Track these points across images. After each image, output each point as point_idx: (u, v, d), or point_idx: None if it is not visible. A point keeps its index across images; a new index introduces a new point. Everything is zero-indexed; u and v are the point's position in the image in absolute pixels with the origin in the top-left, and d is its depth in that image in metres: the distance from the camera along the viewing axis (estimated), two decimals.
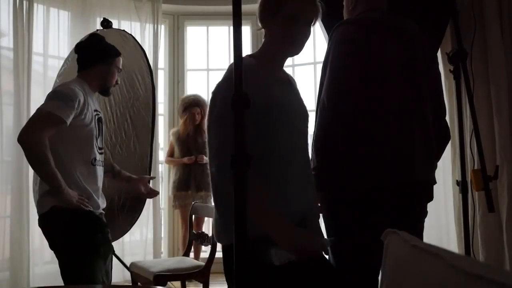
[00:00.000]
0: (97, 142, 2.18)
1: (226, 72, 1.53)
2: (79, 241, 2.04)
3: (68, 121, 2.01)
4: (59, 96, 2.04)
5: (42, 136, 1.94)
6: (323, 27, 3.25)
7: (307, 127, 1.67)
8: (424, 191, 1.82)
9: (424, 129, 1.78)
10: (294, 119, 1.59)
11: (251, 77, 1.37)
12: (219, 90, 1.52)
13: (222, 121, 1.42)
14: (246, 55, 1.54)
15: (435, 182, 1.87)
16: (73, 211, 2.02)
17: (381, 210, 1.68)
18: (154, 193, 2.58)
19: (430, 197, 1.86)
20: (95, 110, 2.20)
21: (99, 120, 2.22)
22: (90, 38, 2.40)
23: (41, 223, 2.14)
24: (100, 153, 2.22)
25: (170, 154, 4.34)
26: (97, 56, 2.23)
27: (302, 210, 1.55)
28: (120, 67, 2.32)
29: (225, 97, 1.36)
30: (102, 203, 2.23)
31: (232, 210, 1.16)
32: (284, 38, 1.54)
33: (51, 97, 2.07)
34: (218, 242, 1.57)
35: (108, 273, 2.18)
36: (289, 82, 1.69)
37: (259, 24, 1.61)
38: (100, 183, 2.21)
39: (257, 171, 1.25)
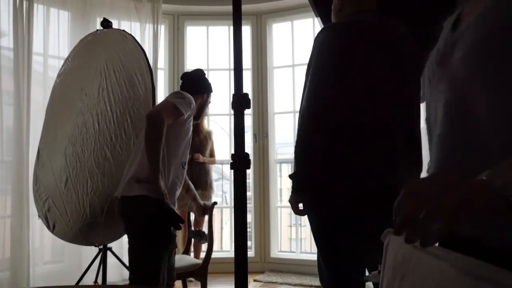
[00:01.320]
0: (188, 149, 2.47)
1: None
2: (154, 231, 2.20)
3: (185, 117, 2.31)
4: (183, 96, 2.35)
5: (165, 120, 2.22)
6: (322, 26, 3.25)
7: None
8: None
9: (409, 135, 1.74)
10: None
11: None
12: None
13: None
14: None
15: None
16: (154, 202, 2.17)
17: (362, 214, 1.68)
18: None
19: None
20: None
21: (190, 138, 2.51)
22: (198, 71, 2.73)
23: (122, 206, 2.27)
24: (186, 162, 2.47)
25: None
26: (204, 87, 2.65)
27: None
28: (210, 101, 2.77)
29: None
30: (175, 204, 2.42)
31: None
32: None
33: (176, 95, 2.36)
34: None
35: (173, 268, 2.41)
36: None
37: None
38: (181, 185, 2.42)
39: None
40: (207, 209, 2.99)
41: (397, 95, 1.73)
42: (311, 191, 1.76)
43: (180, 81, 2.67)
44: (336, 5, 1.90)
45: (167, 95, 4.78)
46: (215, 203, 3.08)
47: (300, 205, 1.83)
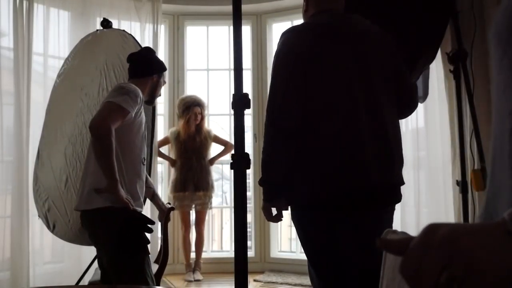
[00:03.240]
0: (145, 142, 2.30)
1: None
2: (129, 240, 2.11)
3: (133, 114, 2.13)
4: (126, 91, 2.14)
5: (112, 128, 2.03)
6: None
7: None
8: (382, 194, 1.73)
9: (376, 130, 1.70)
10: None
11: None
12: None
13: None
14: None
15: (393, 183, 1.77)
16: (121, 211, 2.08)
17: (334, 215, 1.68)
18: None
19: (391, 200, 1.78)
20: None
21: (146, 125, 2.34)
22: (145, 50, 2.54)
23: (85, 220, 2.19)
24: (145, 157, 2.33)
25: (161, 144, 4.35)
26: (153, 68, 2.42)
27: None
28: (165, 81, 2.52)
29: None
30: (143, 201, 2.32)
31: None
32: None
33: (119, 92, 2.15)
34: None
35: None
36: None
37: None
38: (144, 183, 2.30)
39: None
40: (163, 214, 2.63)
41: (361, 93, 1.70)
42: (286, 198, 1.77)
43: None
44: (303, 6, 1.92)
45: (167, 95, 4.79)
46: (173, 208, 2.76)
47: (274, 211, 1.84)
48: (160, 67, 2.46)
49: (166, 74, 2.52)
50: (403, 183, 1.79)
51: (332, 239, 1.70)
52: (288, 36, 1.76)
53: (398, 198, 1.79)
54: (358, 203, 1.66)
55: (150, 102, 2.48)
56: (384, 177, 1.70)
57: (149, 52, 2.50)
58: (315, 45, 1.70)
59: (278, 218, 1.85)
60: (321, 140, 1.65)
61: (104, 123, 2.03)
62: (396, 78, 1.81)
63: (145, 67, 2.40)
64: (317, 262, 1.76)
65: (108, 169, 2.04)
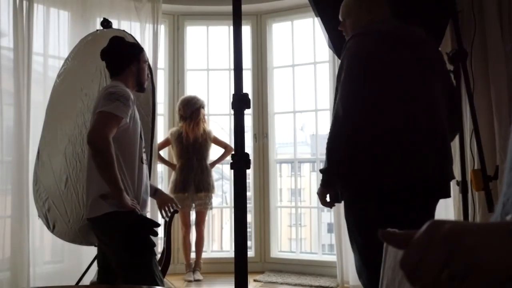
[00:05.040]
0: (141, 140, 2.28)
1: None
2: (136, 243, 2.13)
3: (128, 120, 2.12)
4: (117, 97, 2.11)
5: (110, 138, 2.02)
6: (323, 27, 3.25)
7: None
8: (438, 187, 1.88)
9: (436, 126, 1.84)
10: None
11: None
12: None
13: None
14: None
15: (450, 178, 1.92)
16: (127, 215, 2.10)
17: (392, 207, 1.77)
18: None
19: (445, 193, 1.92)
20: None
21: (140, 122, 2.33)
22: (112, 42, 2.42)
23: (95, 226, 2.22)
24: (144, 152, 2.31)
25: (162, 147, 4.35)
26: (127, 58, 2.33)
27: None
28: (146, 59, 2.43)
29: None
30: (148, 200, 2.32)
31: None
32: None
33: (110, 98, 2.11)
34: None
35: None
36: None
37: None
38: (147, 181, 2.30)
39: None
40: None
41: (420, 93, 1.84)
42: (344, 185, 1.93)
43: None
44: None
45: (167, 95, 4.78)
46: (176, 211, 2.69)
47: (327, 197, 2.02)
48: (133, 54, 2.36)
49: (145, 53, 2.44)
50: (451, 178, 1.96)
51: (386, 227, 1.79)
52: (359, 40, 1.91)
53: (449, 192, 1.96)
54: (416, 194, 1.78)
55: (141, 89, 2.43)
56: (440, 171, 1.85)
57: (118, 44, 2.40)
58: (383, 49, 1.86)
59: (331, 204, 2.03)
60: (382, 136, 1.79)
61: (101, 136, 2.02)
62: (446, 83, 1.98)
63: (120, 62, 2.33)
64: (368, 251, 1.85)
65: (111, 180, 2.06)
